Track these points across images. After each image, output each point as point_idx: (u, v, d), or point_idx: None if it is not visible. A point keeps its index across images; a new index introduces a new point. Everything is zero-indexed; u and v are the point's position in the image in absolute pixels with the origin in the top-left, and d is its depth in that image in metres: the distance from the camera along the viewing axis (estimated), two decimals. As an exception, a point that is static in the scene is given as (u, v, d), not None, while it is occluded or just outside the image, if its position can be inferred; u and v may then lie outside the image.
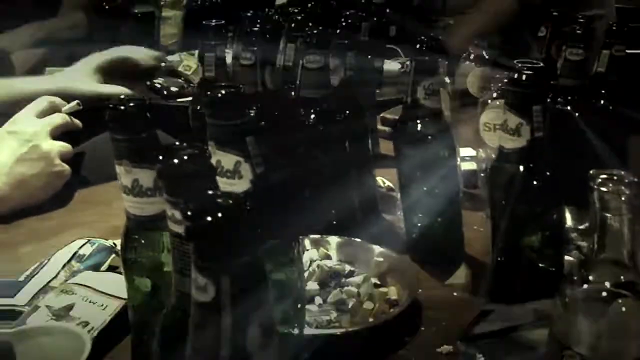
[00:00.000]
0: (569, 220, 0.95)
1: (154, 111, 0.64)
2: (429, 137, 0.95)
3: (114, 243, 0.94)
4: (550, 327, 0.64)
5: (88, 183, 1.24)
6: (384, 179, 1.18)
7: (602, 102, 1.08)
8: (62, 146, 1.16)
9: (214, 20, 1.10)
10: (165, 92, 1.51)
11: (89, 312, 0.81)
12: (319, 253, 0.95)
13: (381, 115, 1.47)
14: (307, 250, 0.95)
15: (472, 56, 1.45)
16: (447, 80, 1.04)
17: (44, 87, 1.27)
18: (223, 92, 0.61)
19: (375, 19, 1.41)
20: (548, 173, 0.82)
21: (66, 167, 1.16)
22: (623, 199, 0.58)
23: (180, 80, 1.57)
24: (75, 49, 1.73)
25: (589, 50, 1.07)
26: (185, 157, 0.51)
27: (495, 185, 0.88)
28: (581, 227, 0.96)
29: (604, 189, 0.58)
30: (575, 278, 0.62)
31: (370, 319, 0.84)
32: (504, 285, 0.88)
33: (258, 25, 1.07)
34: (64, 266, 0.92)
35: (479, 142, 1.14)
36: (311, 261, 0.93)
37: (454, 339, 0.80)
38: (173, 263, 0.53)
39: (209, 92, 0.62)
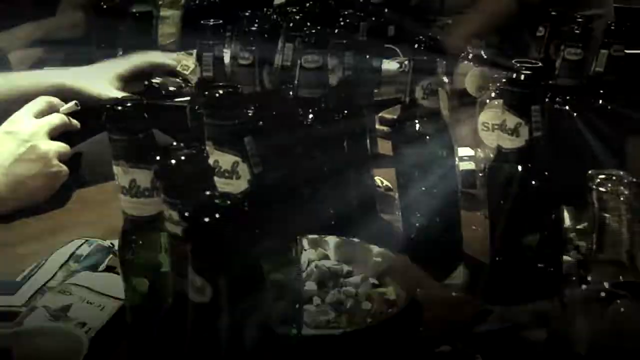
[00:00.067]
0: (567, 220, 0.95)
1: (152, 111, 0.63)
2: (427, 136, 0.95)
3: (111, 243, 0.94)
4: (549, 327, 0.64)
5: (86, 183, 1.23)
6: (382, 179, 1.18)
7: (600, 102, 1.08)
8: (60, 147, 1.15)
9: (212, 20, 1.10)
10: (163, 92, 1.51)
11: (86, 313, 0.80)
12: (317, 253, 0.95)
13: (379, 115, 1.47)
14: (305, 250, 0.95)
15: (470, 56, 1.45)
16: (445, 80, 1.04)
17: (60, 81, 1.27)
18: (221, 92, 0.61)
19: (373, 18, 1.41)
20: (546, 173, 0.82)
21: (64, 167, 1.16)
22: (621, 199, 0.58)
23: (178, 80, 1.56)
24: (73, 49, 1.73)
25: (587, 50, 1.07)
26: (183, 158, 0.51)
27: (494, 185, 0.88)
28: (579, 227, 0.96)
29: (602, 189, 0.58)
30: (574, 278, 0.62)
31: (369, 320, 0.84)
32: (502, 286, 0.88)
33: (256, 25, 1.07)
34: (61, 266, 0.92)
35: (478, 142, 1.13)
36: (309, 261, 0.92)
37: (452, 339, 0.79)
38: (171, 264, 0.52)
39: (206, 92, 0.62)
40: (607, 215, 0.58)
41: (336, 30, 1.08)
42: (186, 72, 1.55)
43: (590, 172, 0.59)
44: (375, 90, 1.45)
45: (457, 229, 1.00)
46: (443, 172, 0.96)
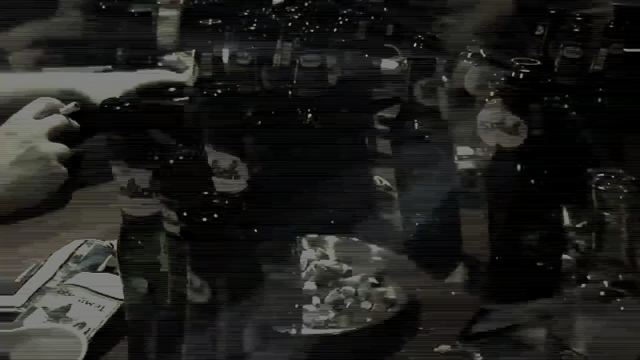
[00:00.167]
0: (566, 219, 0.95)
1: (150, 111, 0.63)
2: (426, 135, 0.95)
3: (111, 244, 0.94)
4: (549, 326, 0.64)
5: (86, 183, 1.23)
6: (381, 178, 1.18)
7: (599, 100, 1.08)
8: (60, 148, 1.15)
9: (210, 20, 1.10)
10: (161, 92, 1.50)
11: (85, 313, 0.80)
12: (316, 253, 0.95)
13: (378, 114, 1.46)
14: (305, 250, 0.95)
15: (469, 55, 1.44)
16: (444, 78, 1.04)
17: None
18: (219, 91, 0.61)
19: (372, 17, 1.41)
20: (546, 172, 0.82)
21: (64, 169, 1.15)
22: (621, 197, 0.58)
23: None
24: (73, 49, 1.73)
25: (586, 49, 1.07)
26: (182, 158, 0.51)
27: (493, 184, 0.88)
28: (579, 225, 0.95)
29: (601, 187, 0.58)
30: (573, 277, 0.62)
31: (368, 319, 0.84)
32: (502, 285, 0.88)
33: (255, 24, 1.07)
34: (61, 267, 0.92)
35: (477, 140, 1.13)
36: (309, 261, 0.92)
37: (452, 338, 0.79)
38: (169, 264, 0.52)
39: (205, 92, 0.62)
40: (606, 213, 0.58)
41: (335, 30, 1.08)
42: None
43: (589, 170, 0.59)
44: (374, 90, 1.45)
45: (457, 228, 1.00)
46: (442, 171, 0.96)
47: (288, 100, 1.00)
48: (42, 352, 0.71)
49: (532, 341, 0.74)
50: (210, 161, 0.60)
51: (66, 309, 0.81)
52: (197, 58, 1.07)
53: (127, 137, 0.60)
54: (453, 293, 0.92)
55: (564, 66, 1.07)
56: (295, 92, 0.98)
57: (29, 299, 0.85)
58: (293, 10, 1.27)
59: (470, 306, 0.86)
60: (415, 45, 0.95)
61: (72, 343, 0.70)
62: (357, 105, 1.09)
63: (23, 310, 0.82)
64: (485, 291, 0.89)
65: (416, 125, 0.96)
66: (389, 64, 1.70)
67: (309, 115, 0.98)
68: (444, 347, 0.80)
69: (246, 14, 1.24)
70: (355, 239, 0.97)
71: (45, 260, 0.93)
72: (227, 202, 0.42)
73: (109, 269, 0.91)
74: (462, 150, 1.14)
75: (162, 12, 1.91)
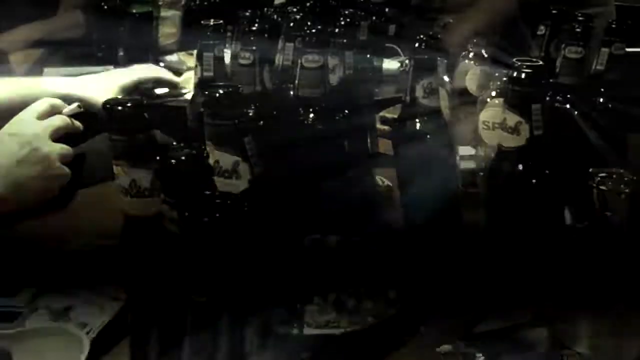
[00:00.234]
0: (568, 219, 0.95)
1: (152, 111, 0.63)
2: (428, 135, 0.95)
3: (112, 244, 0.94)
4: (550, 326, 0.64)
5: (88, 183, 1.23)
6: (383, 178, 1.18)
7: (601, 100, 1.08)
8: (62, 149, 1.15)
9: (212, 20, 1.10)
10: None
11: (87, 314, 0.81)
12: (317, 253, 0.95)
13: (380, 114, 1.46)
14: (306, 250, 0.95)
15: (471, 54, 1.44)
16: (446, 78, 1.04)
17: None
18: (221, 91, 0.61)
19: (374, 17, 1.41)
20: (547, 172, 0.82)
21: (66, 170, 1.15)
22: (622, 197, 0.58)
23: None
24: (74, 49, 1.73)
25: (588, 49, 1.07)
26: (183, 158, 0.51)
27: (494, 184, 0.88)
28: (581, 226, 0.96)
29: (603, 187, 0.58)
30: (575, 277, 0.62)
31: (370, 319, 0.84)
32: (501, 285, 0.88)
33: (256, 25, 1.07)
34: (62, 267, 0.92)
35: (478, 140, 1.13)
36: (310, 261, 0.92)
37: (453, 338, 0.79)
38: (171, 263, 0.52)
39: (207, 92, 0.62)
40: (607, 213, 0.58)
41: (337, 30, 1.08)
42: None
43: (591, 170, 0.59)
44: (376, 90, 1.45)
45: (457, 227, 1.00)
46: (444, 171, 0.96)
47: (290, 100, 1.00)
48: (44, 352, 0.71)
49: (532, 341, 0.75)
50: (212, 161, 0.60)
51: (68, 309, 0.81)
52: (199, 58, 1.07)
53: (128, 137, 0.60)
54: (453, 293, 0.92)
55: (566, 66, 1.07)
56: (297, 92, 0.98)
57: (31, 299, 0.85)
58: (295, 10, 1.27)
59: (471, 306, 0.86)
60: (417, 45, 0.95)
61: (73, 343, 0.70)
62: (359, 106, 1.09)
63: (25, 310, 0.82)
64: (485, 291, 0.89)
65: (417, 125, 0.95)
66: (391, 65, 1.70)
67: (311, 116, 0.98)
68: (445, 347, 0.80)
69: (248, 14, 1.24)
70: (356, 239, 0.97)
71: (47, 261, 0.93)
72: (228, 202, 0.42)
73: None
74: (463, 150, 1.14)
75: (164, 13, 1.91)
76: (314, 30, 1.00)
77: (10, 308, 0.84)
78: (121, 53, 1.66)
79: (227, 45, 1.16)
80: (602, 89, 1.08)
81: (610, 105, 1.07)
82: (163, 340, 0.56)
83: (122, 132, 0.61)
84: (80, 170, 1.22)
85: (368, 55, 1.26)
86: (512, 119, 0.81)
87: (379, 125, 1.39)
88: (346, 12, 1.27)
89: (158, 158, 0.53)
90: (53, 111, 1.18)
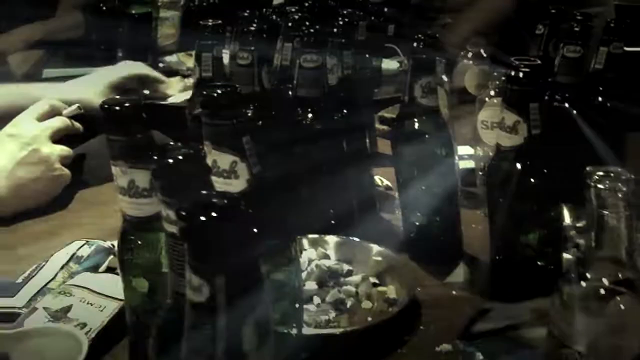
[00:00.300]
0: (567, 218, 0.94)
1: (150, 111, 0.63)
2: (427, 135, 0.95)
3: (112, 244, 0.94)
4: (549, 325, 0.64)
5: (88, 184, 1.23)
6: (382, 178, 1.18)
7: (599, 99, 1.08)
8: (62, 150, 1.15)
9: (210, 20, 1.10)
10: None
11: (86, 314, 0.81)
12: (317, 253, 0.95)
13: (379, 114, 1.47)
14: (306, 250, 0.95)
15: (470, 54, 1.45)
16: (444, 78, 1.04)
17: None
18: (219, 91, 0.61)
19: (373, 17, 1.41)
20: (545, 170, 0.82)
21: (66, 171, 1.16)
22: (620, 195, 0.58)
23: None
24: (73, 50, 1.73)
25: (586, 48, 1.07)
26: (180, 157, 0.51)
27: (493, 183, 0.88)
28: (579, 224, 0.95)
29: (600, 186, 0.58)
30: (573, 276, 0.62)
31: (369, 319, 0.84)
32: (502, 284, 0.88)
33: (255, 25, 1.07)
34: (62, 268, 0.92)
35: (477, 140, 1.13)
36: (309, 261, 0.92)
37: (452, 337, 0.79)
38: (169, 263, 0.52)
39: (205, 92, 0.62)
40: (605, 212, 0.58)
41: (335, 30, 1.08)
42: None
43: (588, 168, 0.59)
44: (375, 90, 1.45)
45: (457, 227, 1.00)
46: (443, 171, 0.96)
47: (288, 100, 1.00)
48: (43, 353, 0.71)
49: (532, 340, 0.75)
50: (210, 161, 0.60)
51: (67, 309, 0.81)
52: (198, 59, 1.07)
53: (126, 138, 0.60)
54: (454, 292, 0.92)
55: (564, 65, 1.07)
56: (296, 92, 0.98)
57: (31, 299, 0.85)
58: (293, 10, 1.27)
59: (470, 305, 0.86)
60: (415, 44, 0.95)
61: (73, 343, 0.70)
62: (358, 106, 1.09)
63: (24, 311, 0.82)
64: (485, 291, 0.89)
65: (416, 125, 0.95)
66: (390, 64, 1.71)
67: (309, 116, 0.98)
68: (445, 347, 0.80)
69: (246, 14, 1.24)
70: (355, 239, 0.97)
71: (47, 261, 0.93)
72: (225, 201, 0.42)
73: (110, 270, 0.91)
74: (463, 150, 1.14)
75: (163, 13, 1.91)
76: (312, 30, 1.00)
77: (9, 309, 0.84)
78: (120, 54, 1.66)
79: (225, 46, 1.16)
80: (601, 88, 1.08)
81: (608, 105, 1.07)
82: (161, 339, 0.56)
83: (120, 132, 0.61)
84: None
85: (367, 55, 1.26)
86: (510, 118, 0.81)
87: (377, 125, 1.40)
88: (345, 12, 1.27)
89: (155, 158, 0.53)
90: (53, 112, 1.18)
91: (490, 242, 0.88)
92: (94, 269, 0.91)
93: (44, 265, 0.92)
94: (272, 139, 0.80)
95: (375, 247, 0.95)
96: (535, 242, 0.84)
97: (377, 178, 1.17)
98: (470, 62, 1.43)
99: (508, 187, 0.83)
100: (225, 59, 1.11)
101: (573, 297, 0.61)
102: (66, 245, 0.96)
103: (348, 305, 0.86)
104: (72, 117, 1.20)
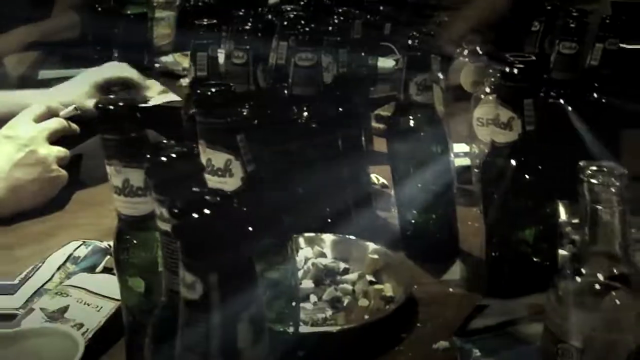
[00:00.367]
0: (562, 214, 0.95)
1: (145, 111, 0.63)
2: (422, 133, 0.95)
3: (109, 245, 0.94)
4: (545, 321, 0.64)
5: (85, 185, 1.23)
6: (377, 176, 1.18)
7: (594, 95, 1.08)
8: (59, 151, 1.15)
9: (206, 20, 1.10)
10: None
11: (83, 314, 0.81)
12: (313, 251, 0.95)
13: (375, 112, 1.47)
14: (302, 248, 0.95)
15: (465, 52, 1.45)
16: (440, 75, 1.04)
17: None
18: (213, 90, 0.61)
19: (368, 15, 1.41)
20: (540, 167, 0.82)
21: (63, 172, 1.16)
22: (613, 190, 0.58)
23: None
24: (69, 51, 1.73)
25: (582, 44, 1.07)
26: (173, 155, 0.51)
27: (488, 180, 0.88)
28: (575, 220, 0.96)
29: (594, 180, 0.58)
30: (568, 271, 0.62)
31: (366, 316, 0.84)
32: (498, 280, 0.88)
33: (250, 24, 1.07)
34: (59, 268, 0.92)
35: (473, 137, 1.14)
36: (306, 259, 0.93)
37: (449, 334, 0.80)
38: (163, 261, 0.52)
39: (199, 91, 0.62)
40: (599, 207, 0.58)
41: (330, 28, 1.08)
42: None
43: (581, 163, 0.59)
44: (371, 88, 1.45)
45: (453, 225, 1.00)
46: (438, 168, 0.96)
47: (284, 99, 1.00)
48: (40, 353, 0.71)
49: (528, 336, 0.75)
50: (204, 160, 0.60)
51: (64, 309, 0.81)
52: (193, 58, 1.06)
53: (120, 137, 0.60)
54: (450, 290, 0.92)
55: (560, 61, 1.07)
56: (291, 90, 0.98)
57: (28, 300, 0.85)
58: (289, 9, 1.27)
59: (467, 302, 0.86)
60: (411, 42, 0.95)
61: (69, 344, 0.70)
62: (353, 104, 1.09)
63: (21, 311, 0.82)
64: (482, 287, 0.89)
65: (412, 122, 0.95)
66: (385, 63, 1.71)
67: (305, 114, 0.98)
68: (442, 344, 0.80)
69: (242, 13, 1.24)
70: (352, 237, 0.97)
71: (44, 262, 0.93)
72: (218, 198, 0.42)
73: (107, 270, 0.91)
74: (458, 147, 1.14)
75: (158, 14, 1.91)
76: (307, 29, 1.00)
77: (6, 309, 0.84)
78: (116, 54, 1.66)
79: (221, 45, 1.16)
80: (596, 85, 1.08)
81: (604, 101, 1.07)
82: (156, 337, 0.56)
83: (113, 132, 0.61)
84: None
85: (362, 54, 1.26)
86: (505, 114, 0.81)
87: (373, 124, 1.40)
88: (340, 10, 1.27)
89: (148, 156, 0.53)
90: (50, 114, 1.18)
91: (486, 239, 0.88)
92: (91, 269, 0.92)
93: (41, 266, 0.92)
94: (268, 138, 0.80)
95: (372, 245, 0.95)
96: (531, 238, 0.84)
97: (373, 176, 1.17)
98: (466, 59, 1.43)
99: (503, 184, 0.83)
100: (221, 58, 1.11)
101: (568, 292, 0.61)
102: (63, 246, 0.96)
103: (345, 303, 0.86)
104: (68, 118, 1.20)
